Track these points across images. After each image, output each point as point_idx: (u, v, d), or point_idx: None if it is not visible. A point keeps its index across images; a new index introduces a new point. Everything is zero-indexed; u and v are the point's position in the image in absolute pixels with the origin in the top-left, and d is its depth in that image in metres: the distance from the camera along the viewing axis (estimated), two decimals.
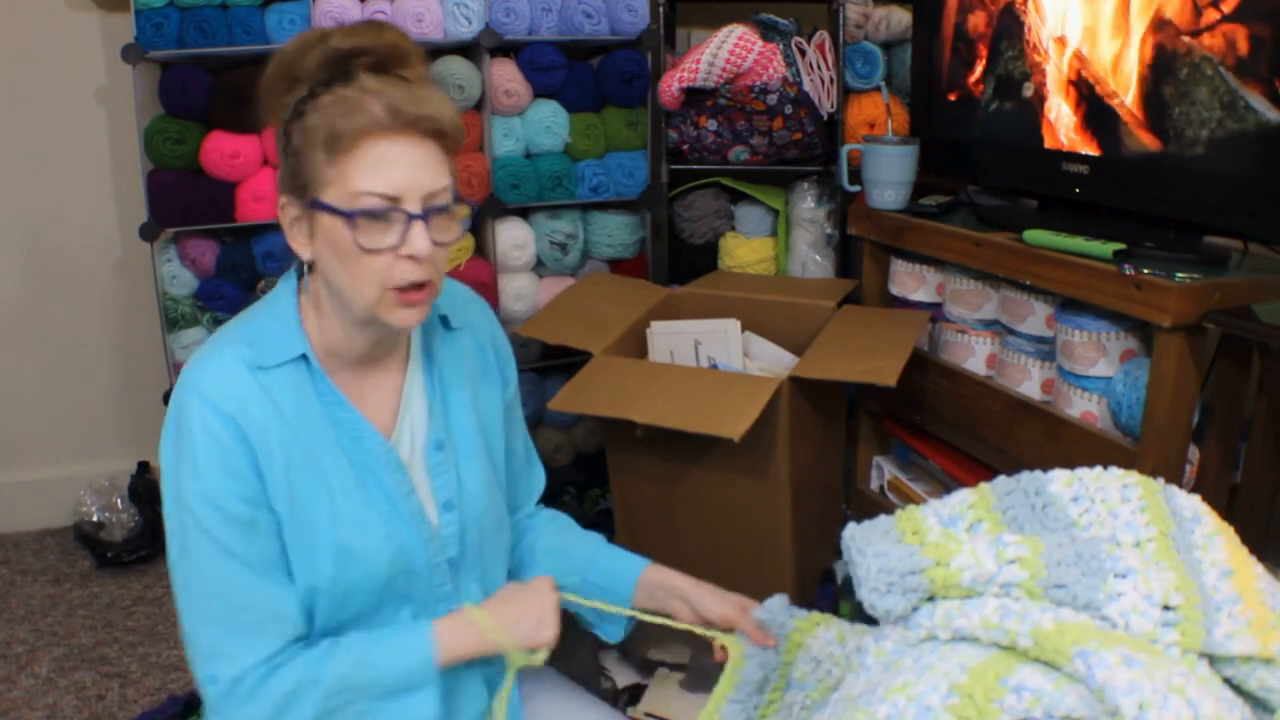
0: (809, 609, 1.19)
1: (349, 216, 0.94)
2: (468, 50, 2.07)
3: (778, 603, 1.18)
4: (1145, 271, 1.41)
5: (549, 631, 1.08)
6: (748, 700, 1.12)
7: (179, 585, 1.00)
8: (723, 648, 1.15)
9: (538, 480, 1.31)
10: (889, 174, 1.95)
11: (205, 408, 0.97)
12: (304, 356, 1.02)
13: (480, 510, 1.12)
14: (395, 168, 0.94)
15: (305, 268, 1.05)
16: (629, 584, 1.22)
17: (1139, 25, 1.51)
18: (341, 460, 1.03)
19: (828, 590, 1.94)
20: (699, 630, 1.16)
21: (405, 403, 1.09)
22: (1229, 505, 1.59)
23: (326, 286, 1.01)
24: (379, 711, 1.02)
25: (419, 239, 0.96)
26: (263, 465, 0.98)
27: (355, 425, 1.04)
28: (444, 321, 1.15)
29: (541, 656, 1.09)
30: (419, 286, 0.98)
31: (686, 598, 1.18)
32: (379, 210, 0.94)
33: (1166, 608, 0.83)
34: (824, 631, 1.16)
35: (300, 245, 1.00)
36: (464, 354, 1.16)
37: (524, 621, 1.07)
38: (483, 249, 2.17)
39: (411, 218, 0.95)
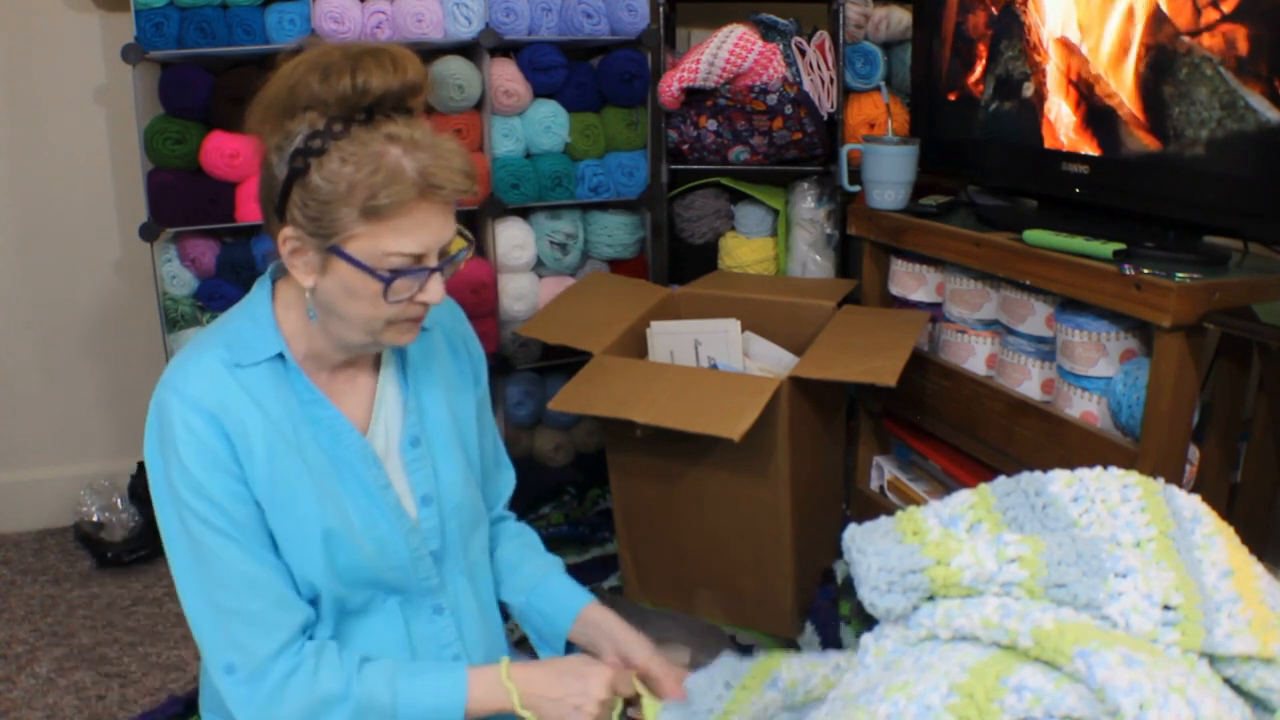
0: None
1: (385, 280, 0.97)
2: (468, 50, 2.07)
3: (703, 680, 1.10)
4: (1145, 271, 1.41)
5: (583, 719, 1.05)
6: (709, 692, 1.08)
7: (183, 580, 1.01)
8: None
9: (506, 483, 1.31)
10: (889, 174, 1.95)
11: (184, 405, 0.98)
12: (280, 356, 1.04)
13: (458, 503, 1.13)
14: (425, 231, 0.98)
15: (279, 271, 1.07)
16: (569, 616, 1.21)
17: (1139, 25, 1.52)
18: (321, 456, 1.05)
19: (827, 590, 1.94)
20: None
21: (380, 400, 1.11)
22: (1229, 505, 1.59)
23: (325, 311, 1.02)
24: None
25: (436, 289, 1.01)
26: (243, 459, 1.00)
27: (333, 421, 1.06)
28: None
29: None
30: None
31: (614, 639, 1.17)
32: (406, 270, 0.98)
33: (1167, 607, 0.83)
34: (788, 664, 1.10)
35: (303, 274, 1.00)
36: (436, 352, 1.17)
37: (560, 703, 1.05)
38: (483, 249, 2.17)
39: (431, 271, 1.00)
